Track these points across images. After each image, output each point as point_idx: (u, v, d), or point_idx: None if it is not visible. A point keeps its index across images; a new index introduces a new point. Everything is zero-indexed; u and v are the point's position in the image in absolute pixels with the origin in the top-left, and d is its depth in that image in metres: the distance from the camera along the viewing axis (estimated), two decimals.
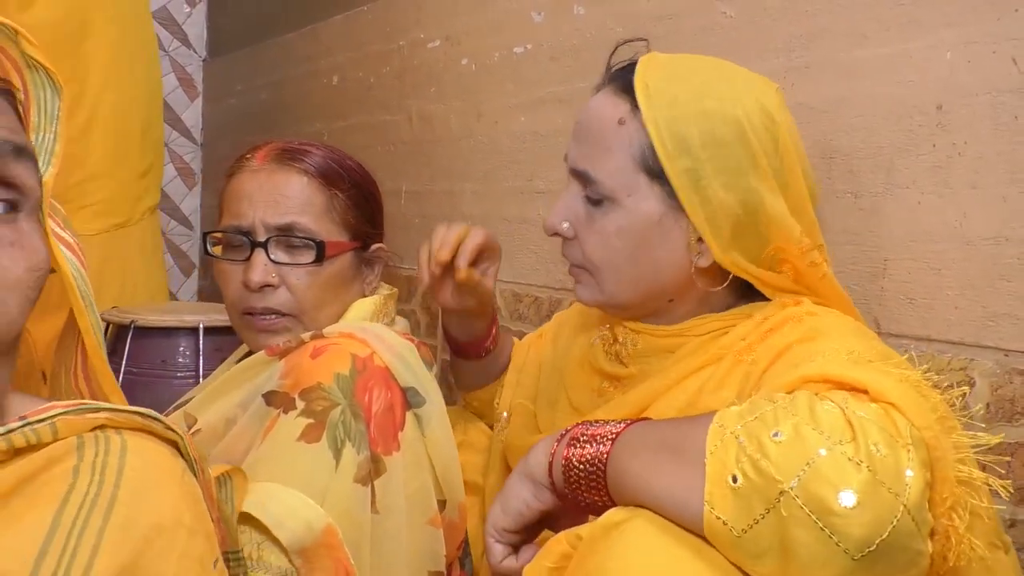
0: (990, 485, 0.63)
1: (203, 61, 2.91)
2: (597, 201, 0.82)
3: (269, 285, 0.93)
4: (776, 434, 0.57)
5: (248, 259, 0.93)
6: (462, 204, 1.67)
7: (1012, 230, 0.86)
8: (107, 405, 0.57)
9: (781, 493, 0.55)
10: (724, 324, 0.85)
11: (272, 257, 0.93)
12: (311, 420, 0.82)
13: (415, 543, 0.87)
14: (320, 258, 0.94)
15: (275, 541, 0.76)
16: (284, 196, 0.94)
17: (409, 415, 0.89)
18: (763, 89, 0.83)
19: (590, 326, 1.02)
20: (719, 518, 0.58)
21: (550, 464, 0.72)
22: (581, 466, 0.69)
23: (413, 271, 1.79)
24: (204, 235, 1.01)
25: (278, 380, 0.86)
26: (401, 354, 0.90)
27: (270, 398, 0.86)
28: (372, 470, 0.83)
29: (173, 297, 2.71)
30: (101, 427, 0.56)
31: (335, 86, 2.12)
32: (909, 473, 0.56)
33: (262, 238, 0.93)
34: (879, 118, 0.96)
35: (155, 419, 0.59)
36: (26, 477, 0.52)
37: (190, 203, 2.89)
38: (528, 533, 0.76)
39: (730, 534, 0.58)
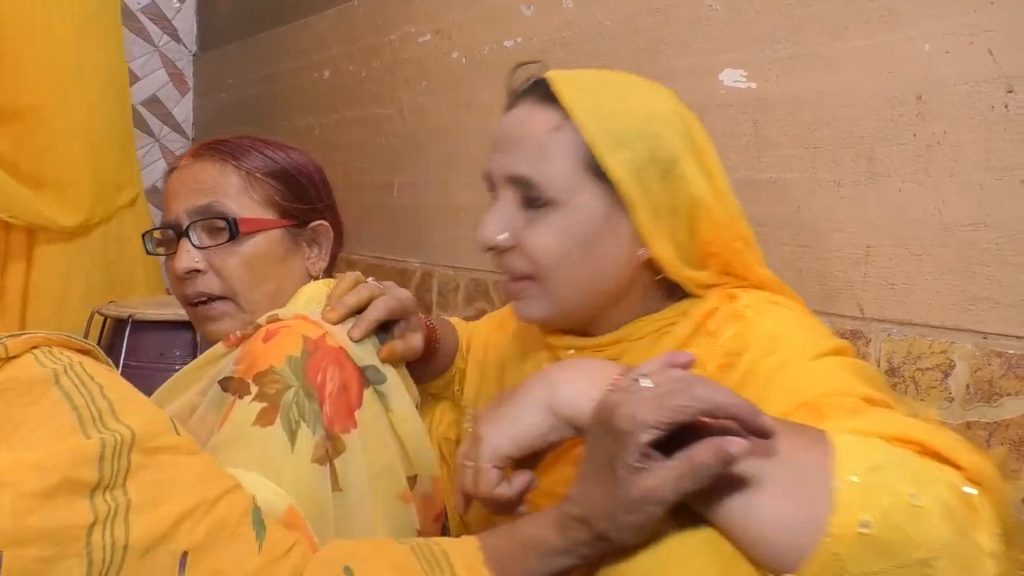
0: None
1: (193, 56, 2.91)
2: (541, 205, 0.82)
3: (195, 270, 0.95)
4: (915, 496, 0.56)
5: (176, 250, 0.97)
6: (454, 195, 1.68)
7: (989, 216, 0.89)
8: (38, 332, 0.75)
9: (918, 560, 0.55)
10: (662, 324, 0.86)
11: (195, 243, 0.96)
12: (265, 404, 0.82)
13: (385, 518, 0.88)
14: (234, 234, 0.95)
15: None
16: (200, 182, 0.97)
17: (368, 393, 0.88)
18: (666, 92, 0.87)
19: (530, 353, 1.01)
20: (836, 554, 0.56)
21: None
22: None
23: (404, 263, 1.82)
24: (143, 236, 1.04)
25: (232, 366, 0.87)
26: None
27: (225, 384, 0.87)
28: (330, 449, 0.84)
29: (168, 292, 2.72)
30: (37, 346, 0.73)
31: (326, 80, 2.13)
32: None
33: (184, 226, 0.96)
34: (861, 108, 0.99)
35: (73, 337, 0.77)
36: None
37: None
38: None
39: (840, 571, 0.56)
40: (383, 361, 0.91)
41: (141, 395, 0.74)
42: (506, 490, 0.71)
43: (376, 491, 0.87)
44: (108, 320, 1.75)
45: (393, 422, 0.89)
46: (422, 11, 1.76)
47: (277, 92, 2.38)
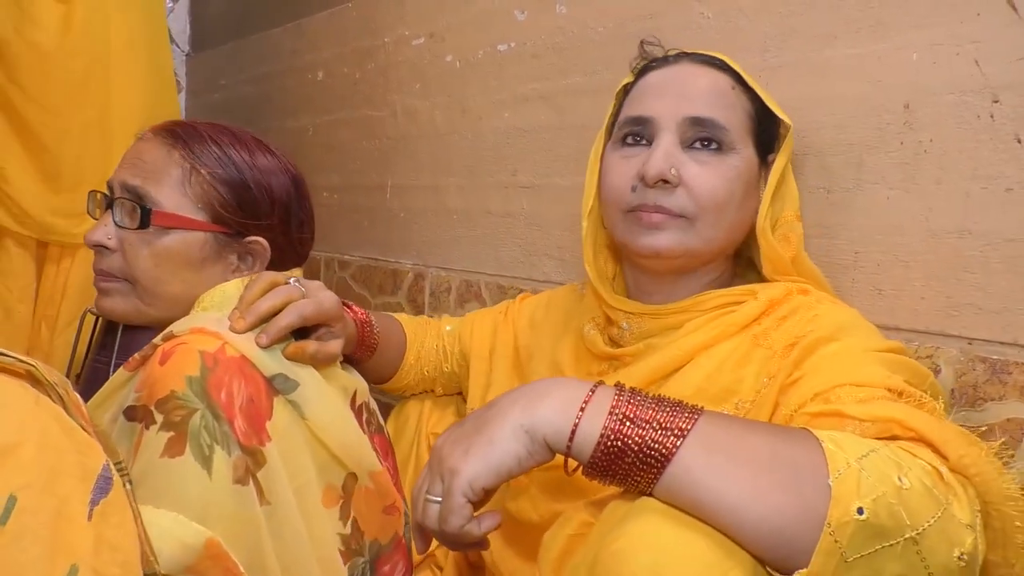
0: None
1: (186, 56, 2.91)
2: (716, 148, 0.89)
3: (104, 246, 0.93)
4: (901, 479, 0.59)
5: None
6: (447, 198, 1.69)
7: (974, 223, 0.90)
8: None
9: (907, 539, 0.58)
10: (729, 300, 0.91)
11: (115, 219, 0.93)
12: (172, 433, 0.77)
13: (314, 526, 0.85)
14: (145, 223, 0.91)
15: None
16: (140, 161, 0.95)
17: (279, 402, 0.83)
18: None
19: (576, 314, 1.04)
20: (837, 542, 0.57)
21: (574, 429, 0.64)
22: (637, 450, 0.62)
23: (397, 264, 1.82)
24: (89, 193, 1.01)
25: (134, 393, 0.82)
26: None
27: (130, 413, 0.81)
28: (251, 464, 0.80)
29: None
30: None
31: (320, 81, 2.13)
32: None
33: (112, 198, 0.95)
34: (849, 116, 1.00)
35: (4, 354, 0.65)
36: None
37: None
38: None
39: (841, 558, 0.58)
40: (288, 358, 0.85)
41: None
42: (476, 529, 0.67)
43: (300, 500, 0.84)
44: (99, 319, 1.74)
45: (312, 429, 0.85)
46: (415, 14, 1.76)
47: (270, 93, 2.38)
